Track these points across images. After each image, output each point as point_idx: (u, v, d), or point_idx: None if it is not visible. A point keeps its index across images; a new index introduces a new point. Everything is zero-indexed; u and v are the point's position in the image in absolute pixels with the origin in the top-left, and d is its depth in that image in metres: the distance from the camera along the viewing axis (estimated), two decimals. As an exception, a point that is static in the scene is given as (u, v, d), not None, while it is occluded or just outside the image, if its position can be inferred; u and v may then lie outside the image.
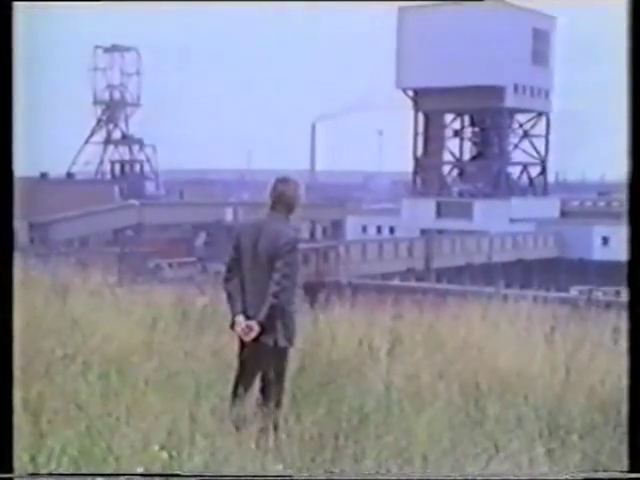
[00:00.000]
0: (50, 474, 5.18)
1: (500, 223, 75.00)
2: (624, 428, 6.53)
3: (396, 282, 51.40)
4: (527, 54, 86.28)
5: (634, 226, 5.48)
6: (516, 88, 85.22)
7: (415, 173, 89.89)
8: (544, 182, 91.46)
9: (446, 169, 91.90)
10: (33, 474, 5.19)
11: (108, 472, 5.16)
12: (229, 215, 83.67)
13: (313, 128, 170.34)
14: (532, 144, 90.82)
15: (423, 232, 75.30)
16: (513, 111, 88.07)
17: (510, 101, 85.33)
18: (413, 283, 52.04)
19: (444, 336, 10.26)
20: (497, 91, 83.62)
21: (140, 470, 5.01)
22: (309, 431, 5.79)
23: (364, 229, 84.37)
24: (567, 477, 5.56)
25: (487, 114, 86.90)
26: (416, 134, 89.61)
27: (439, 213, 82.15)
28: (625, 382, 7.82)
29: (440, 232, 73.85)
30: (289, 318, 6.60)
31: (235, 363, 6.71)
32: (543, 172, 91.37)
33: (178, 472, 5.16)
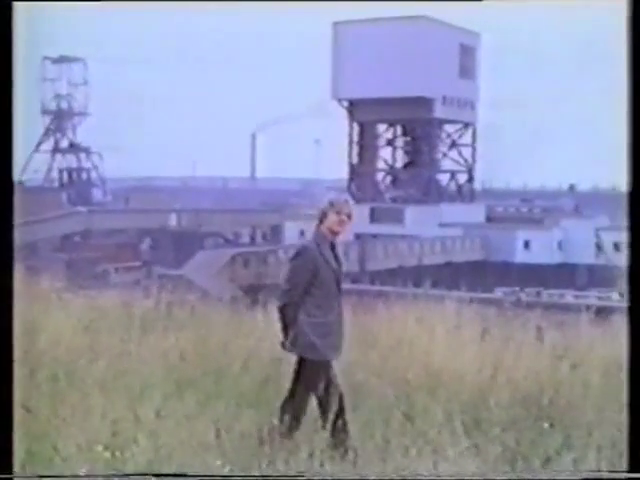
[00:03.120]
0: (50, 475, 5.11)
1: (430, 228, 75.47)
2: (544, 421, 6.64)
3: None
4: (455, 68, 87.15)
5: (634, 231, 5.38)
6: (444, 100, 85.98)
7: (350, 180, 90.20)
8: (471, 189, 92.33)
9: (379, 176, 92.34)
10: (33, 474, 5.11)
11: (108, 472, 5.10)
12: (173, 221, 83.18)
13: (253, 137, 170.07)
14: (460, 153, 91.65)
15: (358, 236, 75.54)
16: (442, 121, 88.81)
17: (439, 112, 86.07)
18: (348, 285, 52.16)
19: (378, 335, 10.29)
20: (427, 102, 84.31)
21: (83, 471, 4.95)
22: (249, 428, 5.78)
23: (302, 233, 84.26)
24: (567, 477, 5.57)
25: (418, 124, 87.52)
26: (351, 143, 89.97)
27: (373, 218, 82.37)
28: (546, 378, 7.96)
29: (374, 236, 74.14)
30: (299, 325, 6.48)
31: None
32: (470, 180, 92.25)
33: (179, 472, 5.13)
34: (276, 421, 6.16)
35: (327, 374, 6.49)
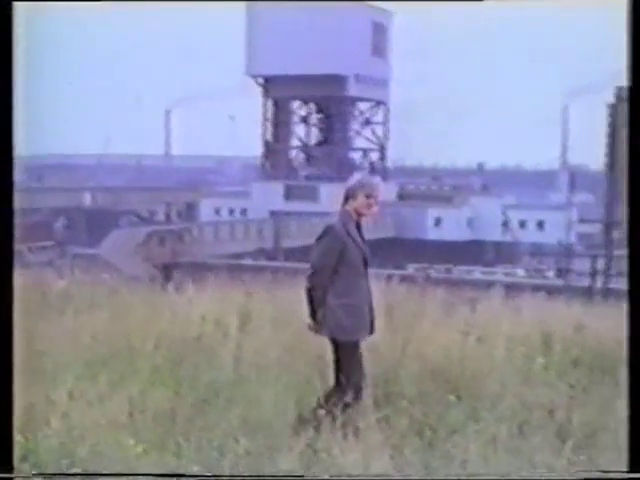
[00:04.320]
0: (50, 474, 5.05)
1: (344, 205, 75.80)
2: (451, 393, 6.81)
3: (247, 261, 51.50)
4: (368, 46, 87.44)
5: (633, 223, 5.36)
6: (358, 78, 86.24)
7: (265, 157, 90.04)
8: (383, 167, 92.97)
9: (294, 154, 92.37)
10: (33, 474, 5.05)
11: (108, 472, 5.06)
12: (87, 199, 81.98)
13: (168, 113, 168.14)
14: (373, 131, 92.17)
15: (272, 214, 75.64)
16: (355, 99, 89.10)
17: (352, 90, 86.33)
18: (263, 262, 52.22)
19: (291, 312, 10.35)
20: (340, 80, 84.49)
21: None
22: (162, 406, 5.80)
23: (217, 211, 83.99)
24: (567, 477, 5.66)
25: (331, 102, 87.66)
26: (265, 120, 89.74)
27: (287, 196, 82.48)
28: (454, 352, 8.13)
29: (288, 214, 74.25)
30: (328, 307, 6.37)
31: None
32: (382, 157, 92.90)
33: (179, 473, 5.12)
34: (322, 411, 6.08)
35: (355, 355, 6.40)
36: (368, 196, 6.50)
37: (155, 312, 9.36)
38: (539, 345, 8.40)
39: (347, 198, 6.55)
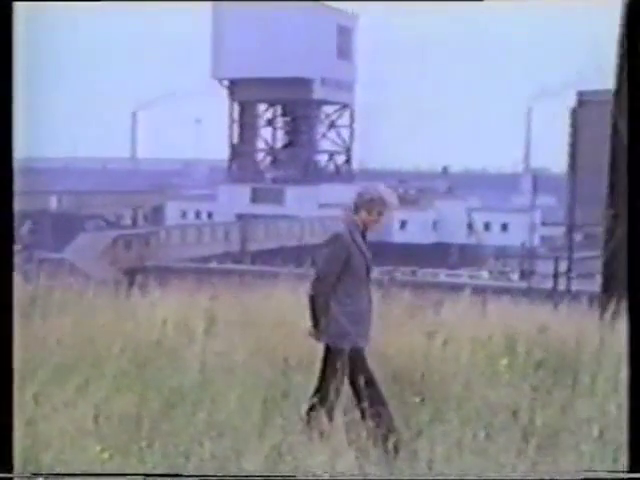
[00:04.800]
0: (50, 474, 5.00)
1: (310, 208, 76.00)
2: (416, 396, 6.83)
3: (214, 265, 51.40)
4: (333, 49, 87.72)
5: (633, 230, 5.37)
6: (323, 81, 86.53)
7: (231, 160, 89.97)
8: (349, 170, 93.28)
9: (260, 156, 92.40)
10: (33, 474, 5.00)
11: (108, 472, 5.02)
12: (53, 203, 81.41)
13: (134, 116, 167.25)
14: (338, 134, 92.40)
15: (239, 217, 75.57)
16: (321, 102, 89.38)
17: (318, 93, 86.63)
18: (230, 265, 52.16)
19: (257, 315, 10.34)
20: (306, 83, 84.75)
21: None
22: (127, 411, 5.77)
23: (184, 214, 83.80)
24: (567, 477, 5.67)
25: (297, 104, 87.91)
26: (232, 123, 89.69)
27: (254, 198, 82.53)
28: (419, 354, 8.16)
29: (255, 217, 74.21)
30: (331, 314, 6.30)
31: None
32: (348, 160, 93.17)
33: (179, 473, 5.08)
34: (302, 413, 6.11)
35: (360, 362, 6.37)
36: (379, 213, 6.45)
37: (121, 316, 9.31)
38: (503, 347, 8.45)
39: (357, 207, 6.45)
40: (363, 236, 6.50)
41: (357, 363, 6.36)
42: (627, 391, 5.26)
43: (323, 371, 6.44)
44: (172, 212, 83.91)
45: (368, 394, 6.26)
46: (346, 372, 6.31)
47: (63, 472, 5.08)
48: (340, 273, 6.34)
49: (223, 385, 6.91)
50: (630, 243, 5.45)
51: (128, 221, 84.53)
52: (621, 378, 7.09)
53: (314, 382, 6.99)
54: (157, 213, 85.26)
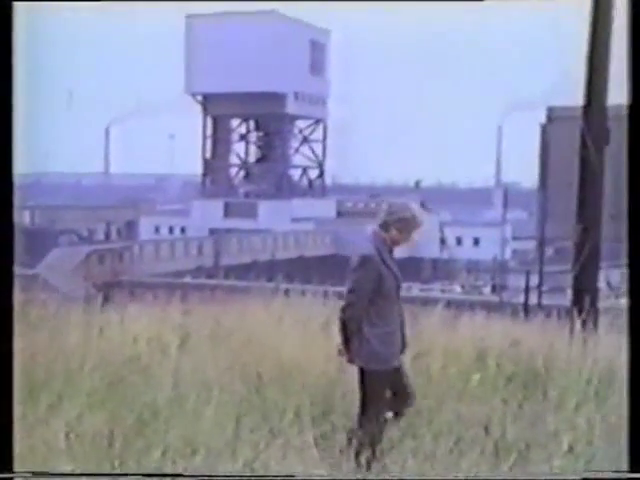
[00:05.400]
0: (50, 474, 4.95)
1: (283, 222, 76.02)
2: (391, 410, 6.82)
3: (187, 279, 51.27)
4: (306, 64, 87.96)
5: (633, 237, 5.30)
6: (296, 96, 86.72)
7: (204, 175, 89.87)
8: (322, 184, 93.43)
9: (233, 171, 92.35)
10: (33, 474, 4.94)
11: (108, 472, 4.97)
12: (26, 218, 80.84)
13: (107, 131, 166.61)
14: (311, 149, 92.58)
15: (212, 231, 75.42)
16: (294, 117, 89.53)
17: (291, 107, 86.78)
18: (203, 280, 52.01)
19: (230, 330, 10.32)
20: (279, 98, 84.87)
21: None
22: (100, 429, 5.73)
23: (157, 229, 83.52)
24: (567, 477, 5.65)
25: (270, 119, 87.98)
26: (205, 137, 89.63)
27: (227, 213, 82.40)
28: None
29: (228, 231, 74.11)
30: (363, 336, 6.12)
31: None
32: (321, 175, 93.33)
33: (179, 473, 5.04)
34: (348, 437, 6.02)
35: (395, 380, 6.25)
36: (400, 231, 6.22)
37: (94, 332, 9.25)
38: (475, 361, 8.48)
39: (387, 225, 6.23)
40: (391, 251, 6.29)
41: (390, 382, 6.24)
42: (627, 391, 5.22)
43: (363, 395, 6.28)
44: (145, 227, 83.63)
45: (406, 408, 6.30)
46: (385, 391, 6.22)
47: (63, 472, 5.05)
48: (372, 295, 6.13)
49: (196, 401, 6.88)
50: (630, 243, 5.37)
51: (101, 236, 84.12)
52: (590, 391, 7.15)
53: (287, 397, 7.00)
54: (130, 228, 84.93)
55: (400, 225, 6.19)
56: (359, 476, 5.54)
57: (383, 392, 6.22)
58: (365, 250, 6.22)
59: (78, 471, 5.06)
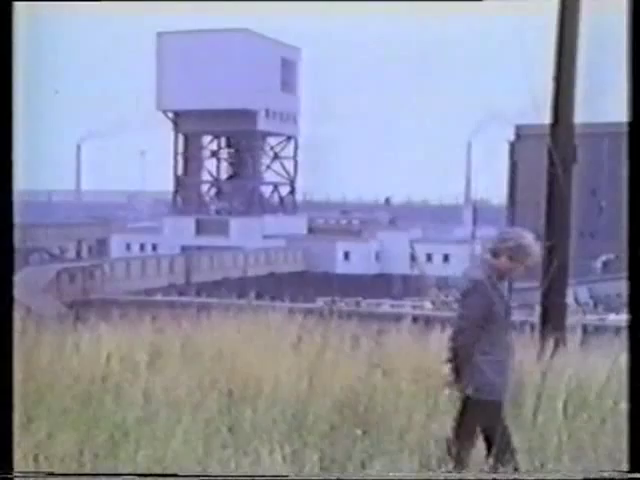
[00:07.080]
0: (50, 474, 4.88)
1: (254, 239, 75.99)
2: (359, 427, 6.82)
3: (158, 297, 51.02)
4: (277, 82, 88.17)
5: (633, 250, 5.20)
6: (267, 113, 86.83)
7: (175, 192, 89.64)
8: (293, 201, 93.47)
9: (205, 188, 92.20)
10: (33, 473, 4.87)
11: (108, 472, 4.91)
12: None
13: (78, 148, 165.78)
14: (282, 165, 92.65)
15: (184, 249, 75.19)
16: (265, 134, 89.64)
17: (262, 125, 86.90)
18: (174, 297, 51.80)
19: (201, 347, 10.27)
20: (250, 115, 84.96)
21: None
22: (69, 449, 5.68)
23: (128, 247, 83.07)
24: (567, 477, 5.60)
25: (242, 136, 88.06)
26: (176, 154, 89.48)
27: (198, 230, 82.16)
28: (362, 385, 8.16)
29: (199, 248, 73.90)
30: (475, 365, 5.93)
31: None
32: (292, 192, 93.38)
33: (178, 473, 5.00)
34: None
35: (500, 413, 6.02)
36: (511, 259, 6.02)
37: (65, 351, 9.18)
38: (445, 377, 8.49)
39: (498, 252, 6.05)
40: (500, 281, 6.10)
41: (495, 415, 6.01)
42: (627, 391, 5.19)
43: (459, 425, 6.13)
44: (117, 245, 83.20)
45: (502, 443, 5.96)
46: (482, 424, 6.03)
47: (62, 472, 5.01)
48: (482, 322, 5.93)
49: (167, 420, 6.84)
50: (630, 243, 5.26)
51: (73, 254, 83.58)
52: (559, 408, 7.17)
53: (258, 417, 6.96)
54: (101, 246, 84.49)
55: (511, 253, 6.02)
56: (356, 476, 5.51)
57: (488, 423, 6.00)
58: (476, 276, 6.05)
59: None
